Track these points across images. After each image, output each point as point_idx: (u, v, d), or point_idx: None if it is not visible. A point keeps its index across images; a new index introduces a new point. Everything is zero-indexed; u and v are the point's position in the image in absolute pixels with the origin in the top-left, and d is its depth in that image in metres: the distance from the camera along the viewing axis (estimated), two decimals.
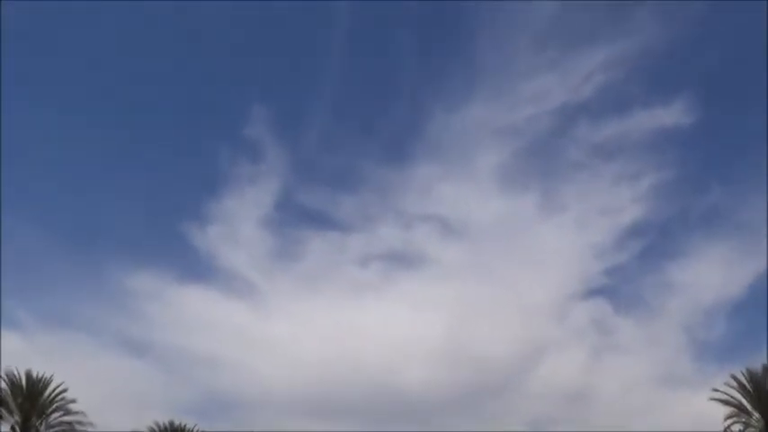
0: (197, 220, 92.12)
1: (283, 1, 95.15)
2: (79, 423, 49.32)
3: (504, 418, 76.30)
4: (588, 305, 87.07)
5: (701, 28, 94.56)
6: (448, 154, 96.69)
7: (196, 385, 78.57)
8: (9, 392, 48.05)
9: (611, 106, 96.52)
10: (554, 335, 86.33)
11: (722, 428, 47.44)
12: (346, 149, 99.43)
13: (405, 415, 76.24)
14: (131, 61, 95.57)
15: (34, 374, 48.82)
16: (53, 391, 49.07)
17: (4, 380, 48.15)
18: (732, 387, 47.76)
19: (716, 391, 48.11)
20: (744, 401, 47.57)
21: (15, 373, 48.45)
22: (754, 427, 46.76)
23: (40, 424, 48.77)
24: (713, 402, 48.02)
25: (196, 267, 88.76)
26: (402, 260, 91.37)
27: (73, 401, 49.30)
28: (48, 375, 49.10)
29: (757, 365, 47.60)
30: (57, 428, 49.20)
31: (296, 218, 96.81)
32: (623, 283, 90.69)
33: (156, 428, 56.23)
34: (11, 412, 47.93)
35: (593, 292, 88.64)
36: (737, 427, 47.30)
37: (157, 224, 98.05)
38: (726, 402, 47.78)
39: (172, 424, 56.65)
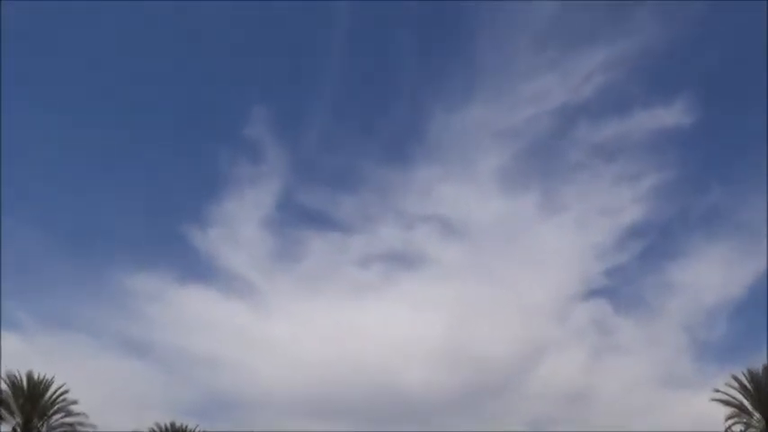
0: (197, 221, 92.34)
1: (283, 1, 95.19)
2: (80, 424, 49.45)
3: (504, 418, 76.42)
4: (588, 305, 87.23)
5: (701, 28, 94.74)
6: (448, 154, 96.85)
7: (197, 386, 78.77)
8: (10, 394, 48.10)
9: (611, 106, 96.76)
10: (554, 335, 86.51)
11: (723, 429, 47.53)
12: (346, 150, 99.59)
13: (405, 415, 76.43)
14: (131, 61, 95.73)
15: (35, 376, 48.98)
16: (54, 392, 49.19)
17: (6, 381, 48.33)
18: (733, 387, 47.86)
19: (717, 391, 48.23)
20: (745, 402, 47.61)
21: (17, 374, 48.65)
22: (755, 427, 46.77)
23: (42, 425, 48.81)
24: (714, 403, 48.15)
25: (196, 268, 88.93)
26: (402, 260, 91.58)
27: (74, 402, 49.50)
28: (49, 377, 49.36)
29: (758, 366, 47.74)
30: (58, 430, 49.31)
31: (296, 218, 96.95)
32: (624, 283, 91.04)
33: (156, 429, 56.29)
34: (12, 413, 47.99)
35: (594, 293, 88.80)
36: (738, 427, 47.38)
37: (158, 225, 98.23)
38: (726, 403, 47.83)
39: (173, 425, 56.69)
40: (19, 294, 76.76)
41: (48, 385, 49.12)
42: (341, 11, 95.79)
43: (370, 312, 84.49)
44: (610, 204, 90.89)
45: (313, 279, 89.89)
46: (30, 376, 48.82)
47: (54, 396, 49.17)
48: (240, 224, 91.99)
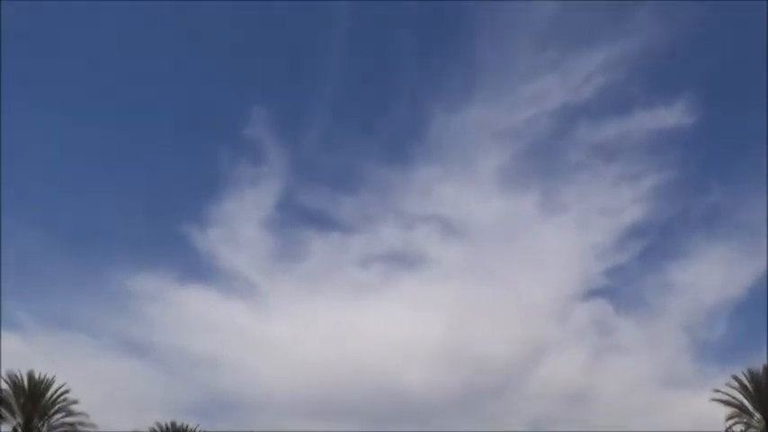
0: (198, 221, 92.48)
1: (283, 1, 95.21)
2: (81, 424, 49.45)
3: (504, 418, 76.44)
4: (589, 305, 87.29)
5: (701, 28, 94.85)
6: (448, 154, 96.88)
7: (197, 386, 78.77)
8: (11, 393, 48.13)
9: (611, 107, 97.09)
10: (554, 335, 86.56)
11: (723, 429, 47.54)
12: (347, 150, 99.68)
13: (405, 415, 76.47)
14: (131, 61, 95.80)
15: (36, 376, 48.98)
16: (55, 392, 49.21)
17: (6, 381, 48.34)
18: (733, 388, 47.89)
19: (717, 391, 48.27)
20: (745, 402, 47.62)
21: (17, 374, 48.66)
22: (756, 427, 46.78)
23: (42, 425, 48.82)
24: (714, 403, 48.18)
25: (197, 268, 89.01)
26: (403, 261, 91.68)
27: (75, 402, 49.53)
28: (49, 376, 49.35)
29: (758, 366, 47.76)
30: (59, 429, 49.31)
31: (297, 218, 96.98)
32: (624, 283, 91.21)
33: (157, 429, 56.26)
34: (13, 413, 48.01)
35: (594, 293, 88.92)
36: (739, 427, 47.39)
37: (158, 225, 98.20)
38: (727, 403, 47.86)
39: (174, 424, 56.68)
40: (19, 294, 77.05)
41: (48, 385, 49.14)
42: (341, 11, 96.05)
43: (370, 312, 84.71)
44: (610, 204, 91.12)
45: (313, 279, 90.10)
46: (30, 376, 48.85)
47: (55, 396, 49.19)
48: (240, 224, 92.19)
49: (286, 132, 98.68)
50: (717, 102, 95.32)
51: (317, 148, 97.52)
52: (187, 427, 57.16)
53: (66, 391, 49.32)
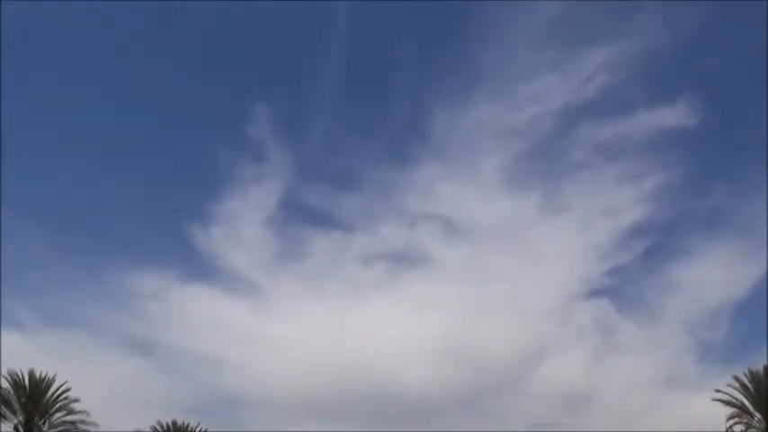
0: (200, 221, 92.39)
1: (284, 1, 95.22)
2: (82, 422, 49.54)
3: (505, 418, 76.39)
4: (591, 305, 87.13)
5: (702, 29, 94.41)
6: (450, 154, 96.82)
7: (198, 385, 78.92)
8: (12, 392, 48.21)
9: (613, 106, 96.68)
10: (556, 335, 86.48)
11: (724, 429, 47.50)
12: (348, 149, 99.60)
13: (407, 415, 76.29)
14: (132, 61, 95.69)
15: (37, 374, 49.06)
16: (56, 390, 49.30)
17: (8, 380, 48.43)
18: (734, 388, 47.85)
19: (718, 391, 48.26)
20: (746, 402, 47.59)
21: (18, 373, 48.76)
22: (756, 427, 46.74)
23: (44, 424, 48.93)
24: (716, 403, 48.16)
25: (199, 267, 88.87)
26: (404, 260, 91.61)
27: (76, 401, 49.60)
28: (50, 375, 49.43)
29: (759, 366, 47.73)
30: (60, 428, 49.40)
31: (299, 217, 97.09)
32: (626, 283, 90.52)
33: (158, 428, 56.30)
34: (14, 412, 48.12)
35: (596, 293, 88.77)
36: (739, 427, 47.33)
37: (160, 224, 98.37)
38: (728, 403, 47.83)
39: (175, 423, 56.71)
40: (21, 293, 77.39)
41: (49, 384, 49.23)
42: (341, 11, 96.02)
43: (371, 311, 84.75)
44: (612, 204, 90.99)
45: (315, 278, 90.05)
46: (32, 375, 48.93)
47: (56, 394, 49.28)
48: (243, 223, 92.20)
49: (288, 131, 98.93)
50: (718, 102, 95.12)
51: (319, 146, 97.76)
52: (188, 425, 57.22)
53: (68, 390, 49.49)
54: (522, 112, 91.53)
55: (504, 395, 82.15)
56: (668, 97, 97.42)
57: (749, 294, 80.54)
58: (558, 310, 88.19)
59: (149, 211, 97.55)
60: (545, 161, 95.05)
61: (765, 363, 47.49)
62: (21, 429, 47.95)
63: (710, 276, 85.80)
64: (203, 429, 57.70)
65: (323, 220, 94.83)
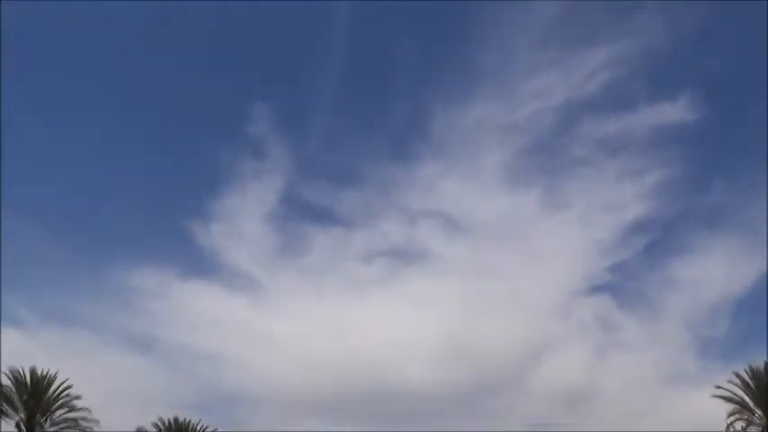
0: (200, 217, 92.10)
1: (284, 1, 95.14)
2: (84, 419, 49.65)
3: (506, 415, 76.44)
4: (592, 302, 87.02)
5: (703, 26, 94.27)
6: (451, 150, 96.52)
7: (199, 381, 78.89)
8: (14, 390, 48.29)
9: (614, 103, 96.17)
10: (557, 332, 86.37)
11: (725, 426, 47.58)
12: (349, 145, 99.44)
13: (406, 412, 76.36)
14: (132, 61, 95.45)
15: (38, 372, 49.16)
16: (57, 387, 49.41)
17: (9, 377, 48.51)
18: (734, 384, 47.94)
19: (718, 388, 48.33)
20: (746, 398, 47.67)
21: (20, 370, 48.85)
22: (757, 424, 46.84)
23: (45, 421, 49.01)
24: (716, 400, 48.23)
25: (199, 264, 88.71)
26: (405, 256, 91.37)
27: (77, 398, 49.68)
28: (52, 372, 49.50)
29: (759, 362, 47.79)
30: (61, 425, 49.49)
31: (299, 214, 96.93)
32: (627, 279, 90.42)
33: (160, 424, 56.35)
34: (16, 409, 48.19)
35: (597, 289, 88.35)
36: (740, 424, 47.41)
37: (160, 221, 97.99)
38: (728, 399, 47.91)
39: (176, 420, 56.76)
40: (21, 291, 77.16)
41: (51, 381, 49.33)
42: (341, 9, 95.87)
43: (372, 308, 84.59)
44: (613, 200, 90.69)
45: (316, 274, 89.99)
46: (33, 372, 49.03)
47: (57, 391, 49.39)
48: (243, 220, 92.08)
49: (288, 128, 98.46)
50: (720, 98, 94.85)
51: (319, 143, 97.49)
52: (189, 422, 57.28)
53: (69, 387, 49.58)
54: (523, 108, 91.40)
55: (505, 392, 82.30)
56: (669, 94, 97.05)
57: (750, 291, 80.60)
58: (559, 306, 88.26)
59: (149, 208, 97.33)
60: (546, 157, 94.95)
61: (766, 359, 47.68)
62: (22, 427, 48.03)
63: (711, 273, 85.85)
64: (204, 426, 57.88)
65: (323, 217, 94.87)
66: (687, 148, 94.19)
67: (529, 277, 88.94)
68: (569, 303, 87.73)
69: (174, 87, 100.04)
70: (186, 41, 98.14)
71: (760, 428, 46.81)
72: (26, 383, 48.67)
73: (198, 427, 57.43)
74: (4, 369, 48.46)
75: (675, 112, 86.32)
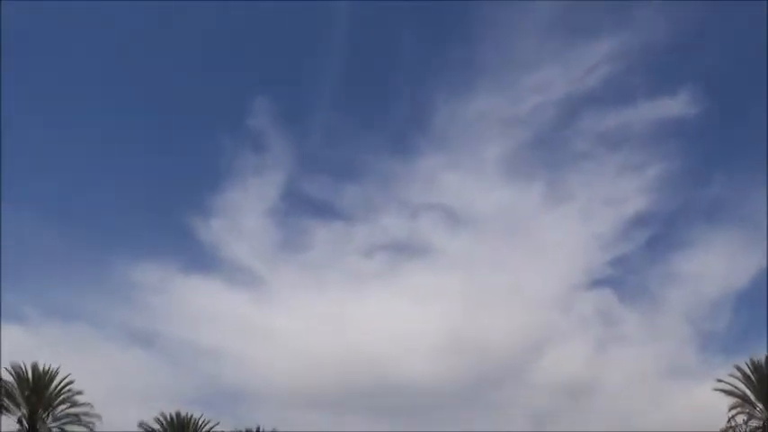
0: (201, 213, 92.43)
1: (284, 1, 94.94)
2: (86, 414, 49.67)
3: (507, 409, 76.66)
4: (593, 295, 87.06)
5: (704, 21, 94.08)
6: (452, 144, 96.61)
7: (201, 376, 78.95)
8: (15, 385, 48.36)
9: (614, 97, 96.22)
10: (558, 325, 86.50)
11: (726, 420, 47.60)
12: (349, 140, 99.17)
13: (408, 406, 76.50)
14: (132, 61, 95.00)
15: (40, 367, 49.19)
16: (59, 383, 49.45)
17: (11, 373, 48.54)
18: (736, 378, 47.87)
19: (720, 381, 48.29)
20: (747, 392, 47.62)
21: (22, 366, 48.87)
22: (758, 417, 46.84)
23: (47, 416, 49.09)
24: (718, 393, 48.18)
25: (200, 259, 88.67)
26: (406, 250, 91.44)
27: (79, 393, 49.74)
28: (53, 368, 49.52)
29: (761, 356, 47.73)
30: (63, 420, 49.58)
31: (300, 208, 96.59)
32: (628, 273, 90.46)
33: (162, 419, 56.42)
34: (18, 405, 48.25)
35: (598, 283, 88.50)
36: (741, 417, 47.42)
37: (161, 217, 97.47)
38: (730, 393, 47.83)
39: (178, 415, 56.82)
40: (23, 286, 77.21)
41: (53, 376, 49.37)
42: (341, 11, 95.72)
43: (373, 302, 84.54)
44: (614, 194, 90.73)
45: (317, 269, 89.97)
46: (35, 367, 49.06)
47: (59, 387, 49.45)
48: (244, 214, 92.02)
49: (288, 122, 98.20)
50: (720, 93, 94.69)
51: (320, 137, 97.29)
52: (191, 417, 57.35)
53: (71, 382, 49.67)
54: (524, 102, 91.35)
55: (506, 386, 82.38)
56: (669, 88, 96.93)
57: (750, 285, 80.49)
58: (561, 300, 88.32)
59: (150, 204, 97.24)
60: (547, 151, 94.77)
61: (767, 353, 47.59)
62: (24, 422, 48.12)
63: (712, 267, 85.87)
64: (206, 421, 57.95)
65: (324, 211, 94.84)
66: (687, 143, 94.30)
67: (530, 271, 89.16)
68: (570, 297, 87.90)
69: (174, 87, 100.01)
70: (186, 41, 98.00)
71: (761, 422, 46.81)
72: (28, 379, 48.72)
73: (200, 422, 57.46)
74: (7, 365, 48.70)
75: (676, 106, 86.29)
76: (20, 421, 48.12)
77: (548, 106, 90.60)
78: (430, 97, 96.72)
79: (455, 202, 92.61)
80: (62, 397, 49.50)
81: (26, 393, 48.42)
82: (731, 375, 47.98)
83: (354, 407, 77.92)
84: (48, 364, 49.42)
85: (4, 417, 47.92)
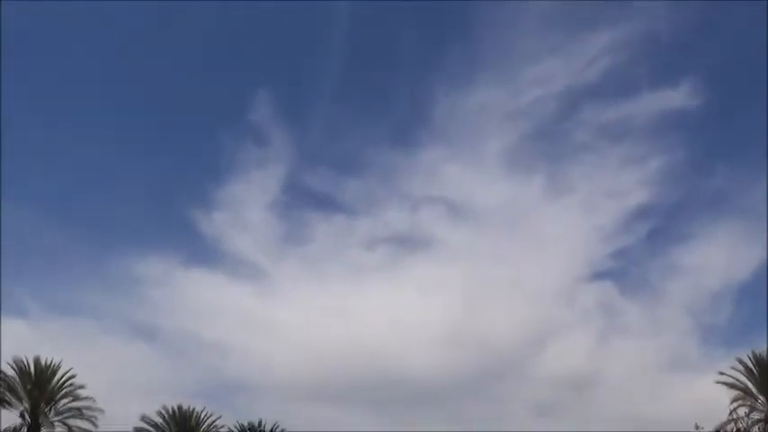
0: (203, 206, 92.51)
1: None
2: (88, 408, 49.74)
3: (509, 402, 76.76)
4: (594, 288, 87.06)
5: (705, 12, 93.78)
6: (453, 137, 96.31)
7: (203, 369, 79.02)
8: (18, 380, 48.42)
9: (616, 89, 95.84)
10: (560, 318, 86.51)
11: (728, 413, 47.60)
12: (351, 133, 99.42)
13: (409, 399, 76.67)
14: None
15: (42, 361, 49.25)
16: (61, 377, 49.53)
17: (13, 367, 48.64)
18: (738, 371, 47.83)
19: (721, 374, 48.24)
20: (749, 385, 47.57)
21: (24, 360, 48.97)
22: (760, 410, 46.81)
23: (49, 410, 49.15)
24: (719, 386, 48.13)
25: (203, 252, 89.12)
26: (408, 243, 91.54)
27: (81, 387, 49.75)
28: (56, 362, 49.63)
29: (763, 349, 47.70)
30: (66, 414, 49.60)
31: (302, 201, 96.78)
32: (629, 265, 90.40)
33: (164, 413, 56.51)
34: (20, 399, 48.33)
35: (600, 275, 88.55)
36: (743, 410, 47.41)
37: (163, 210, 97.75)
38: (731, 386, 47.76)
39: (180, 408, 56.90)
40: (25, 280, 77.38)
41: (55, 370, 49.45)
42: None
43: (375, 295, 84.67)
44: (616, 186, 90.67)
45: (319, 262, 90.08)
46: (37, 362, 49.14)
47: (61, 381, 49.51)
48: (246, 208, 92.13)
49: (290, 116, 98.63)
50: (722, 84, 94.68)
51: (322, 131, 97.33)
52: (194, 410, 57.43)
53: (73, 376, 49.69)
54: (525, 95, 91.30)
55: (508, 378, 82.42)
56: (671, 80, 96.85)
57: (752, 277, 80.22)
58: (562, 292, 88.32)
59: (152, 197, 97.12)
60: (548, 143, 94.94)
61: None
62: (27, 416, 48.23)
63: (713, 259, 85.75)
64: (209, 414, 58.03)
65: (326, 204, 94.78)
66: (689, 135, 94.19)
67: (531, 263, 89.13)
68: (572, 289, 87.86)
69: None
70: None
71: (763, 414, 46.79)
72: (30, 373, 48.81)
73: (202, 415, 57.52)
74: (9, 359, 48.79)
75: (677, 98, 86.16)
76: (22, 415, 48.20)
77: (548, 99, 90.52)
78: (430, 90, 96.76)
79: (456, 194, 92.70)
80: (64, 391, 49.55)
81: (28, 387, 48.49)
82: (733, 368, 47.97)
83: (356, 400, 78.14)
84: (50, 358, 49.61)
85: (6, 411, 48.13)
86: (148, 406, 57.38)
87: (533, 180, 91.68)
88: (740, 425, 47.10)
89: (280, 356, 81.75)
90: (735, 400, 47.62)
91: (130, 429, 55.02)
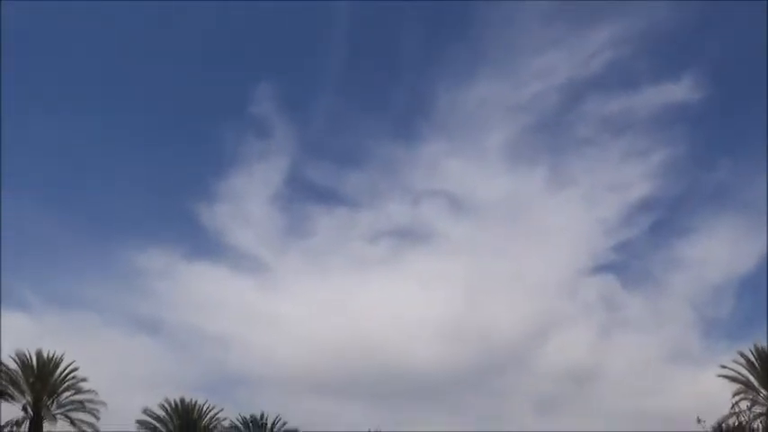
0: (205, 198, 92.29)
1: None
2: (90, 402, 49.78)
3: (511, 395, 76.75)
4: (596, 281, 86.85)
5: (708, 5, 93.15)
6: (455, 130, 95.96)
7: (205, 362, 78.98)
8: (20, 373, 48.52)
9: (618, 82, 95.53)
10: (562, 311, 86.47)
11: (730, 406, 47.58)
12: (353, 126, 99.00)
13: (411, 392, 76.68)
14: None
15: (45, 354, 49.37)
16: (64, 370, 49.64)
17: (15, 360, 48.76)
18: (740, 364, 47.81)
19: (723, 367, 48.22)
20: (751, 378, 47.56)
21: (26, 353, 49.08)
22: (762, 404, 46.78)
23: (52, 403, 49.28)
24: (721, 379, 48.11)
25: (205, 245, 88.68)
26: (410, 236, 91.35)
27: (84, 380, 49.86)
28: (58, 355, 49.74)
29: (765, 342, 47.63)
30: (68, 407, 49.67)
31: (304, 194, 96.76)
32: (632, 259, 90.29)
33: (166, 405, 56.61)
34: (22, 392, 48.44)
35: (602, 269, 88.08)
36: (745, 403, 47.39)
37: (165, 203, 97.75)
38: (733, 379, 47.74)
39: (182, 401, 56.99)
40: (27, 274, 77.48)
41: (57, 363, 49.57)
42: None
43: (377, 288, 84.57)
44: (618, 180, 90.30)
45: (321, 255, 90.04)
46: (39, 355, 49.26)
47: (63, 374, 49.62)
48: (248, 201, 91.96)
49: (292, 108, 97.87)
50: (724, 78, 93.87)
51: (324, 123, 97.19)
52: (196, 403, 57.52)
53: (75, 369, 49.81)
54: (527, 88, 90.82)
55: (510, 372, 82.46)
56: (673, 73, 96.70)
57: (754, 270, 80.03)
58: (564, 285, 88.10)
59: (154, 190, 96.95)
60: (550, 136, 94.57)
61: None
62: (29, 409, 48.32)
63: (715, 252, 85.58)
64: (211, 407, 58.12)
65: (328, 198, 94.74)
66: (691, 128, 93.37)
67: (533, 256, 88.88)
68: (574, 282, 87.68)
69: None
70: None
71: (765, 408, 46.78)
72: (32, 366, 48.91)
73: (204, 408, 57.61)
74: (11, 352, 48.88)
75: (680, 91, 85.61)
76: (24, 408, 48.29)
77: (550, 92, 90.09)
78: (432, 84, 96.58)
79: (458, 188, 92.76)
80: (66, 384, 49.66)
81: (31, 380, 48.58)
82: (735, 361, 47.97)
83: (358, 393, 78.22)
84: (52, 351, 49.73)
85: (9, 404, 48.23)
86: (150, 399, 57.55)
87: (535, 173, 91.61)
88: (742, 418, 47.08)
89: (282, 350, 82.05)
90: (737, 393, 47.57)
91: (133, 422, 55.24)
